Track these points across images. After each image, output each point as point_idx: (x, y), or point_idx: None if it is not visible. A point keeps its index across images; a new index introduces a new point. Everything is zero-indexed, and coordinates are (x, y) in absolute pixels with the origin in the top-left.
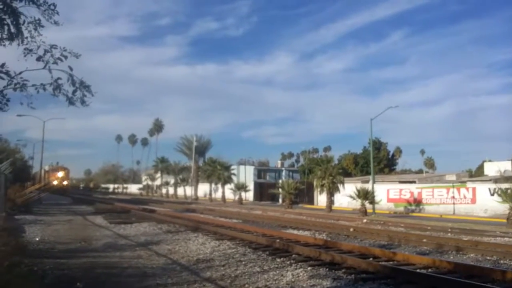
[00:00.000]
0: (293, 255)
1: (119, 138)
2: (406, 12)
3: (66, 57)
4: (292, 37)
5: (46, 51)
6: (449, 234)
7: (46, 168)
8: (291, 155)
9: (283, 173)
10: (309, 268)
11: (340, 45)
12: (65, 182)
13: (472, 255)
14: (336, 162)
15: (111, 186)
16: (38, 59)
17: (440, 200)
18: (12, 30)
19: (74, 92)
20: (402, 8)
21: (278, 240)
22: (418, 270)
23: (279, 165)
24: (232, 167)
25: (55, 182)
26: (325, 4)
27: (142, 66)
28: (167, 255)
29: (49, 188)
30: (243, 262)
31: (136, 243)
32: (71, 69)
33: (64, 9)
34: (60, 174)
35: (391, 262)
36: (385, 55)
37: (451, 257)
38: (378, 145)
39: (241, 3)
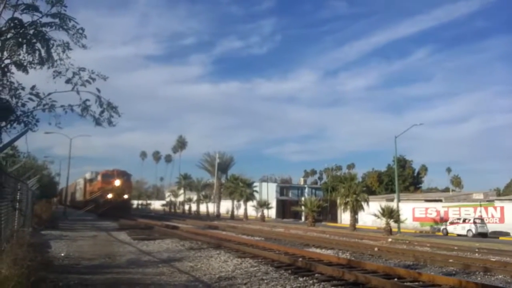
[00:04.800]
0: (316, 274)
1: (143, 154)
2: (431, 29)
3: (94, 80)
4: (315, 55)
5: (74, 74)
6: (477, 254)
7: (88, 176)
8: (314, 172)
9: (306, 190)
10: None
11: (363, 62)
12: (125, 196)
13: (500, 276)
14: (360, 179)
15: (135, 202)
16: (67, 81)
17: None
18: (43, 54)
19: (101, 113)
20: (427, 25)
21: (300, 259)
22: None
23: (302, 183)
24: (255, 184)
25: (109, 196)
26: (348, 22)
27: (167, 85)
28: (189, 272)
29: (99, 206)
30: (265, 281)
31: (159, 260)
32: (98, 91)
33: (92, 30)
34: (117, 183)
35: (416, 283)
36: (409, 72)
37: (479, 278)
38: (403, 163)
39: (265, 22)
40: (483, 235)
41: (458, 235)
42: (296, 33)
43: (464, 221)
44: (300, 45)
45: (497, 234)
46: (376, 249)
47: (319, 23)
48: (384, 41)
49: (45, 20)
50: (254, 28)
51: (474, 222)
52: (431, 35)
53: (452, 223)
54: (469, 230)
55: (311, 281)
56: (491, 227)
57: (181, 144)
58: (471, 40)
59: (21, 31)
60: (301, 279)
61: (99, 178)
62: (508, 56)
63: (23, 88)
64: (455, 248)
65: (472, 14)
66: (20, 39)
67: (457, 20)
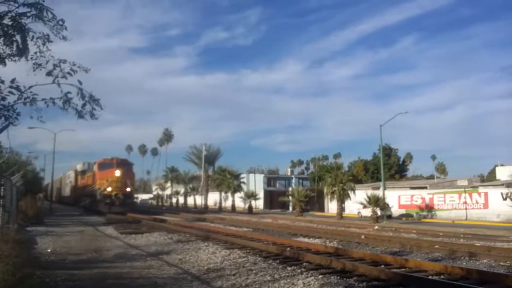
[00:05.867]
0: (304, 263)
1: (129, 148)
2: (416, 17)
3: (75, 72)
4: (301, 45)
5: (55, 66)
6: (462, 240)
7: (79, 167)
8: (301, 162)
9: (293, 180)
10: (320, 276)
11: (349, 51)
12: (128, 189)
13: (485, 260)
14: (346, 169)
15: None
16: (48, 74)
17: (452, 205)
18: (21, 46)
19: (83, 105)
20: (412, 13)
21: (288, 249)
22: (430, 277)
23: (289, 173)
24: (242, 175)
25: (109, 189)
26: (334, 11)
27: (152, 77)
28: (178, 264)
29: (96, 201)
30: (254, 271)
31: (147, 253)
32: (80, 83)
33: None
34: (118, 173)
35: (403, 269)
36: (395, 61)
37: (464, 263)
38: (388, 151)
39: (250, 12)
40: (388, 216)
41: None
42: (282, 23)
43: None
44: (285, 35)
45: (481, 220)
46: (363, 237)
47: (305, 12)
48: (370, 29)
49: (22, 10)
50: (240, 18)
51: (381, 208)
52: (416, 23)
53: (365, 207)
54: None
55: (299, 270)
56: (475, 212)
57: (167, 137)
58: (456, 27)
59: None
60: (289, 268)
61: (95, 168)
62: (492, 43)
63: (2, 81)
64: (441, 234)
65: (457, 2)
66: None
67: (442, 8)
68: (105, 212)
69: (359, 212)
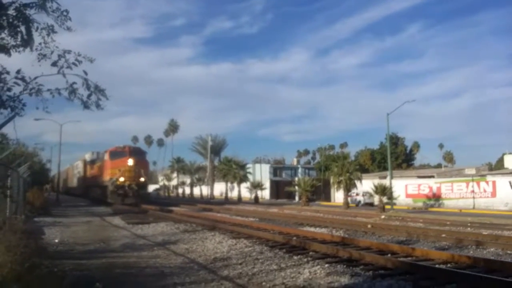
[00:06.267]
0: (310, 253)
1: (135, 139)
2: (422, 4)
3: (80, 62)
4: (307, 33)
5: (60, 56)
6: (469, 228)
7: (88, 157)
8: (307, 152)
9: (299, 170)
10: (326, 265)
11: (355, 40)
12: (141, 179)
13: (492, 249)
14: (353, 158)
15: None
16: (53, 64)
17: (459, 194)
18: (25, 37)
19: (89, 96)
20: (418, 0)
21: (295, 238)
22: (437, 266)
23: (295, 163)
24: (248, 165)
25: (121, 179)
26: None
27: (157, 67)
28: (185, 254)
29: (106, 192)
30: (260, 260)
31: (154, 243)
32: (85, 73)
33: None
34: (131, 162)
35: (409, 258)
36: (402, 49)
37: (471, 252)
38: (395, 140)
39: (255, 1)
40: (370, 204)
41: (356, 205)
42: (287, 11)
43: (357, 194)
44: (291, 23)
45: (489, 208)
46: (369, 226)
47: (310, 0)
48: (376, 17)
49: (26, 1)
50: (245, 7)
51: (363, 195)
52: (423, 10)
53: (349, 196)
54: (359, 201)
55: (305, 259)
56: (483, 201)
57: (173, 127)
58: (463, 14)
59: (1, 12)
60: (295, 257)
61: (106, 157)
62: (500, 30)
63: (7, 72)
64: (448, 223)
65: None
66: (1, 21)
67: None
68: (117, 204)
69: (358, 201)
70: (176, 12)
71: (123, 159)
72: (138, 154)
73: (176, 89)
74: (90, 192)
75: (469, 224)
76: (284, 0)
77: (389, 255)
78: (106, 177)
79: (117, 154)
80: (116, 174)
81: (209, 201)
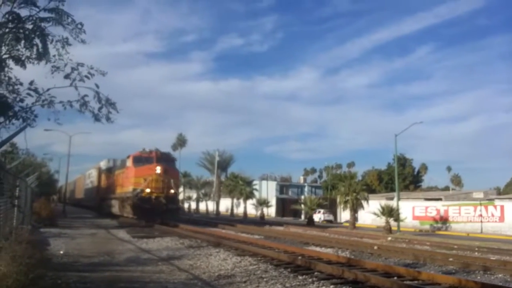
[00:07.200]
0: (316, 273)
1: None
2: (432, 27)
3: (93, 75)
4: (317, 53)
5: (73, 69)
6: (476, 253)
7: (103, 165)
8: (314, 170)
9: (306, 188)
10: (331, 286)
11: (365, 60)
12: (171, 190)
13: (500, 275)
14: (360, 178)
15: None
16: (66, 76)
17: (467, 218)
18: (41, 50)
19: (100, 109)
20: (428, 23)
21: (300, 257)
22: None
23: (302, 181)
24: (254, 182)
25: (147, 190)
26: (350, 19)
27: (167, 82)
28: (189, 270)
29: (127, 206)
30: (265, 279)
31: (158, 258)
32: (97, 86)
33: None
34: (158, 170)
35: (416, 282)
36: (411, 70)
37: (478, 277)
38: (403, 161)
39: (266, 19)
40: (329, 221)
41: (316, 221)
42: (298, 30)
43: (318, 212)
44: (301, 42)
45: (497, 233)
46: (375, 247)
47: (320, 20)
48: (386, 38)
49: (42, 14)
50: (255, 25)
51: (323, 213)
52: (432, 33)
53: (314, 213)
54: (320, 218)
55: (310, 280)
56: (491, 226)
57: (181, 142)
58: (472, 38)
59: (19, 25)
60: (300, 277)
61: (129, 163)
62: (509, 55)
63: (21, 84)
64: (455, 247)
65: (474, 12)
66: (18, 34)
67: (458, 18)
68: (141, 220)
69: (319, 218)
70: (187, 28)
71: (150, 166)
72: (167, 160)
73: (185, 104)
74: (106, 204)
75: (476, 249)
76: (294, 19)
77: (395, 278)
78: (128, 187)
79: (142, 160)
80: (140, 184)
81: (214, 217)
